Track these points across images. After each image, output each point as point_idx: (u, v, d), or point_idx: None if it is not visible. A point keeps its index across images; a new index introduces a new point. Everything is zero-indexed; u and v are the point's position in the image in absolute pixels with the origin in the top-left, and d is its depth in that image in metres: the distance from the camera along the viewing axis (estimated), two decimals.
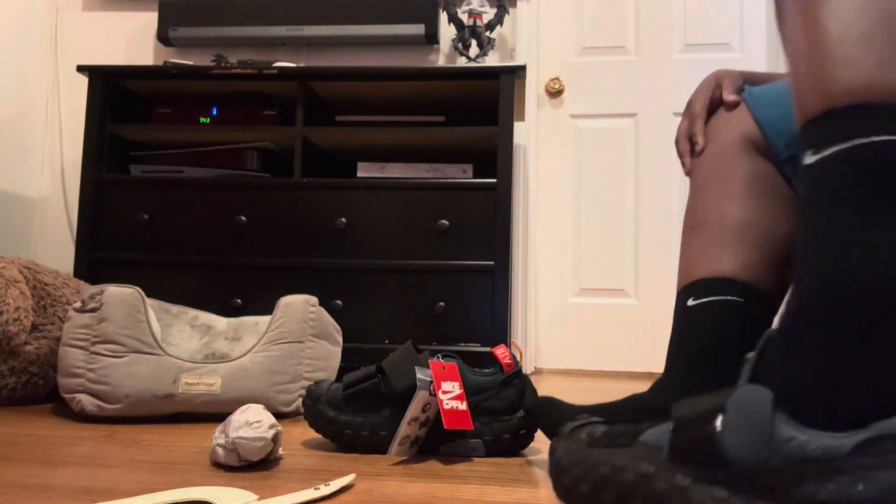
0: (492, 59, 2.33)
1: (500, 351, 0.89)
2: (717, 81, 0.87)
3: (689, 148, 0.87)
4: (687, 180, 2.31)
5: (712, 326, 0.74)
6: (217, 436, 0.76)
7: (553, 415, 0.79)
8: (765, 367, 0.46)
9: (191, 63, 2.03)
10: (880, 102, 0.42)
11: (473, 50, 2.30)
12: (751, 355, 0.48)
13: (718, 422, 0.44)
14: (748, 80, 0.88)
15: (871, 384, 0.42)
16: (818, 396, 0.43)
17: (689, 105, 0.88)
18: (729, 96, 0.83)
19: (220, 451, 0.75)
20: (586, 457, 0.52)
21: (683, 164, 0.88)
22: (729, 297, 0.74)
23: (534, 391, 0.88)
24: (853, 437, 0.41)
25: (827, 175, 0.44)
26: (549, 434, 0.82)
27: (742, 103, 0.84)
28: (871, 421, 0.41)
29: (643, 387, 1.88)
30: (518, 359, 2.11)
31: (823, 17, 0.45)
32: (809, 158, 0.45)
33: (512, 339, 2.23)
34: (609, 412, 0.75)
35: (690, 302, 0.76)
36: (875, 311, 0.41)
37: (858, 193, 0.42)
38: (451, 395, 0.81)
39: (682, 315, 0.77)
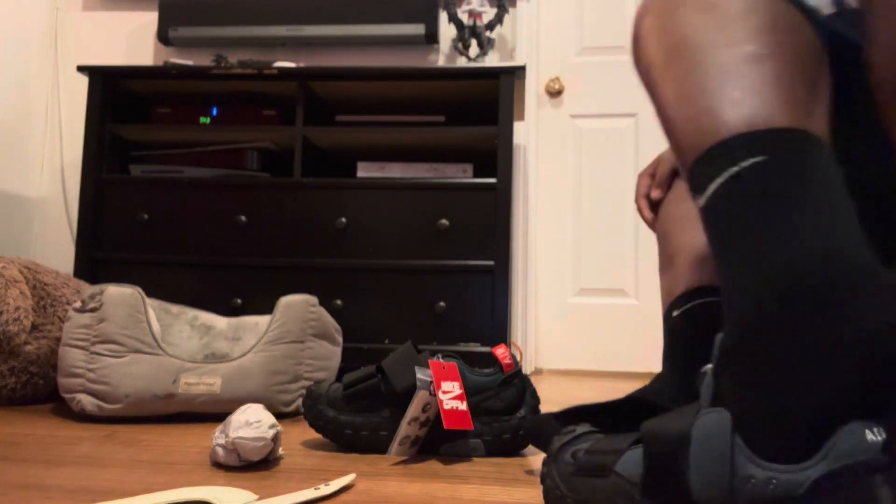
0: (492, 59, 2.33)
1: (500, 351, 0.89)
2: (654, 166, 0.96)
3: (647, 203, 0.95)
4: None
5: (697, 323, 0.77)
6: (217, 436, 0.76)
7: (548, 434, 0.79)
8: (722, 383, 0.46)
9: (191, 63, 2.03)
10: (736, 136, 0.47)
11: (473, 50, 2.30)
12: (708, 368, 0.48)
13: (686, 456, 0.44)
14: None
15: (799, 401, 0.42)
16: (761, 423, 0.43)
17: (638, 180, 0.98)
18: (654, 192, 0.93)
19: (220, 451, 0.75)
20: (570, 488, 0.53)
21: (645, 221, 0.95)
22: (710, 299, 0.76)
23: (534, 391, 0.88)
24: (809, 469, 0.40)
25: (714, 211, 0.48)
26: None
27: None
28: (822, 440, 0.41)
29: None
30: (518, 359, 2.11)
31: (701, 67, 0.51)
32: (700, 201, 0.50)
33: (512, 339, 2.23)
34: (604, 412, 0.76)
35: (675, 313, 0.79)
36: (781, 324, 0.43)
37: (743, 217, 0.46)
38: (451, 395, 0.81)
39: (670, 325, 0.81)
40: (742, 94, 0.48)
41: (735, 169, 0.47)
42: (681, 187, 0.90)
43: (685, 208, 0.87)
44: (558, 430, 0.77)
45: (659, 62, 0.54)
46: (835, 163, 0.47)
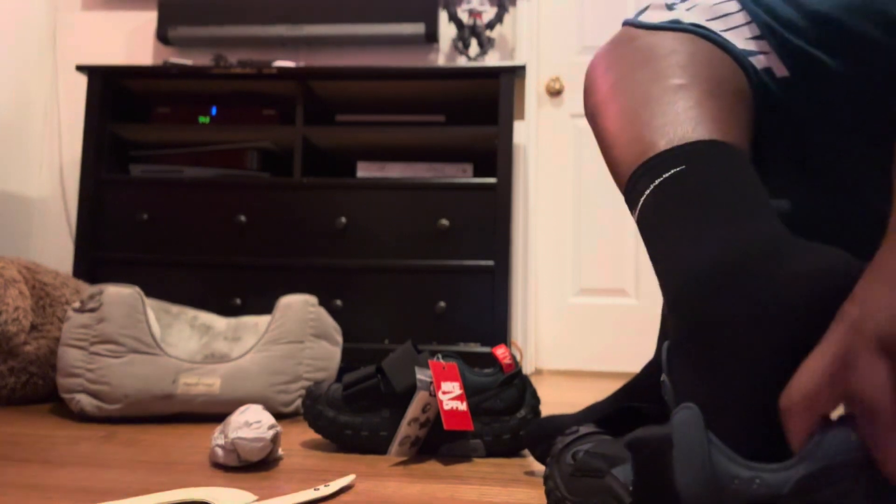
0: (492, 59, 2.33)
1: (500, 351, 0.89)
2: None
3: None
4: None
5: None
6: (216, 436, 0.76)
7: (543, 438, 0.78)
8: (676, 386, 0.46)
9: (190, 63, 2.03)
10: (659, 153, 0.53)
11: (473, 49, 2.30)
12: (664, 377, 0.48)
13: (672, 462, 0.44)
14: None
15: (740, 388, 0.42)
16: (721, 414, 0.43)
17: None
18: None
19: (219, 451, 0.75)
20: (570, 490, 0.53)
21: None
22: None
23: (534, 392, 0.88)
24: (792, 469, 0.40)
25: (645, 222, 0.53)
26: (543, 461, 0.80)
27: None
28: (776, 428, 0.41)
29: None
30: (518, 359, 2.11)
31: (638, 97, 0.58)
32: (635, 215, 0.54)
33: (512, 340, 2.23)
34: (599, 413, 0.75)
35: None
36: (704, 313, 0.44)
37: (666, 222, 0.50)
38: (451, 395, 0.81)
39: (662, 317, 0.82)
40: (665, 120, 0.54)
41: (658, 181, 0.51)
42: None
43: None
44: (562, 431, 0.77)
45: (603, 99, 0.61)
46: (749, 164, 0.51)
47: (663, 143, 0.52)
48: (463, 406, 0.81)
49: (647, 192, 0.52)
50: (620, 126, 0.58)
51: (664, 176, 0.51)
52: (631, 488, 0.48)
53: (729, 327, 0.43)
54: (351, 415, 0.85)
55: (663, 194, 0.51)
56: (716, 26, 0.60)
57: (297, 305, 1.16)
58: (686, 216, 0.48)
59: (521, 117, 2.33)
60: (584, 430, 0.58)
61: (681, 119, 0.53)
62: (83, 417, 1.06)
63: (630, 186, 0.55)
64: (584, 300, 2.34)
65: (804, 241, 0.44)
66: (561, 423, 0.75)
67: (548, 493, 0.56)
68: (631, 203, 0.56)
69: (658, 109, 0.55)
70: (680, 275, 0.47)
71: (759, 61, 0.60)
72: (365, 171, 1.90)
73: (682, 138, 0.52)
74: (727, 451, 0.42)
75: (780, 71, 0.59)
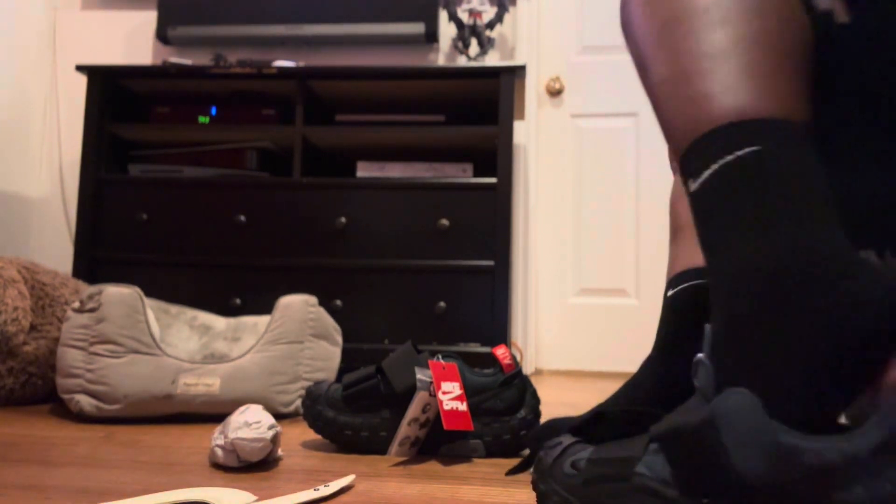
0: (492, 59, 2.33)
1: (500, 351, 0.89)
2: None
3: None
4: None
5: (684, 308, 0.77)
6: (216, 437, 0.76)
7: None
8: (724, 369, 0.46)
9: (190, 62, 2.03)
10: (749, 120, 0.48)
11: (473, 49, 2.30)
12: (701, 357, 0.48)
13: (719, 444, 0.44)
14: None
15: (802, 376, 0.43)
16: (783, 400, 0.43)
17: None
18: None
19: (219, 451, 0.75)
20: (585, 499, 0.51)
21: None
22: (698, 281, 0.77)
23: (534, 392, 0.88)
24: (861, 438, 0.41)
25: (706, 198, 0.49)
26: None
27: None
28: (838, 408, 0.42)
29: None
30: (518, 359, 2.11)
31: (693, 48, 0.51)
32: (692, 186, 0.50)
33: (512, 340, 2.23)
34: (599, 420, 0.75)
35: (669, 292, 0.80)
36: (769, 307, 0.44)
37: (735, 205, 0.47)
38: (451, 395, 0.81)
39: (664, 306, 0.81)
40: (734, 80, 0.49)
41: (730, 157, 0.48)
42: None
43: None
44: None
45: (650, 40, 0.54)
46: (817, 154, 0.49)
47: (732, 112, 0.49)
48: (463, 406, 0.81)
49: (715, 166, 0.49)
50: (676, 76, 0.52)
51: (737, 154, 0.48)
52: (670, 480, 0.47)
53: (795, 324, 0.44)
54: (351, 415, 0.85)
55: (735, 175, 0.48)
56: None
57: (297, 305, 1.15)
58: (756, 204, 0.47)
59: (521, 117, 2.33)
60: (566, 440, 0.57)
61: (752, 84, 0.49)
62: (82, 418, 1.05)
63: (691, 153, 0.51)
64: (584, 300, 2.34)
65: (861, 259, 0.45)
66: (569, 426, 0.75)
67: None
68: (690, 171, 0.51)
69: (725, 65, 0.50)
70: (746, 263, 0.46)
71: (821, 1, 0.55)
72: (365, 171, 1.90)
73: (755, 111, 0.48)
74: (788, 429, 0.43)
75: (841, 16, 0.55)
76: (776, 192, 0.46)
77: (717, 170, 0.49)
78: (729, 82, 0.49)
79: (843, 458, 0.41)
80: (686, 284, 0.78)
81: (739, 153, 0.48)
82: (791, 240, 0.45)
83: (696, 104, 0.50)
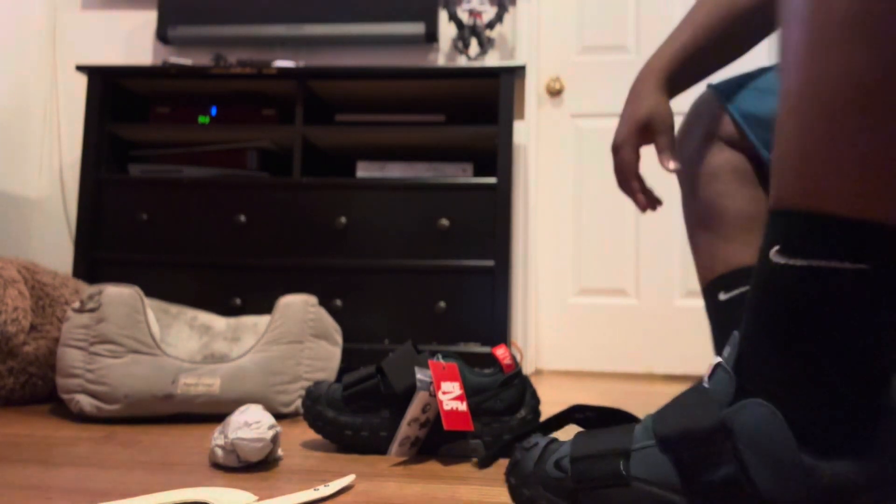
0: (492, 59, 2.33)
1: (500, 351, 0.89)
2: (642, 127, 0.83)
3: (639, 186, 0.85)
4: None
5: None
6: (216, 437, 0.76)
7: None
8: (750, 377, 0.45)
9: (190, 62, 2.03)
10: (874, 223, 0.40)
11: (473, 49, 2.30)
12: (723, 357, 0.47)
13: (735, 453, 0.43)
14: (671, 71, 0.84)
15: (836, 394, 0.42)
16: (809, 419, 0.42)
17: (618, 155, 0.85)
18: (671, 164, 0.81)
19: (219, 451, 0.75)
20: None
21: (639, 204, 0.85)
22: None
23: (534, 392, 0.88)
24: (874, 461, 0.40)
25: (723, 310, 0.48)
26: None
27: (711, 104, 0.87)
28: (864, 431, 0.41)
29: (643, 388, 1.88)
30: (518, 359, 2.11)
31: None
32: (777, 257, 0.44)
33: (512, 340, 2.23)
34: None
35: (722, 296, 0.78)
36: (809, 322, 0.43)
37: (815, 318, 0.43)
38: (451, 395, 0.81)
39: (718, 309, 0.79)
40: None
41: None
42: (701, 141, 0.85)
43: (709, 168, 0.84)
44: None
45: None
46: None
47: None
48: (463, 406, 0.81)
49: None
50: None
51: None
52: (679, 486, 0.45)
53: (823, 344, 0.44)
54: (351, 415, 0.85)
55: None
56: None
57: (297, 305, 1.15)
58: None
59: (521, 117, 2.33)
60: (541, 440, 0.55)
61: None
62: (83, 418, 1.05)
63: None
64: (584, 300, 2.34)
65: None
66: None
67: None
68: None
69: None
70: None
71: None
72: (365, 170, 1.90)
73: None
74: (808, 448, 0.42)
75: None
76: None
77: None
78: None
79: (865, 480, 0.40)
80: (744, 288, 0.77)
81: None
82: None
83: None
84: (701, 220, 0.84)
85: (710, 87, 0.89)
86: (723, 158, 0.84)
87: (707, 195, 0.84)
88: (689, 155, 0.88)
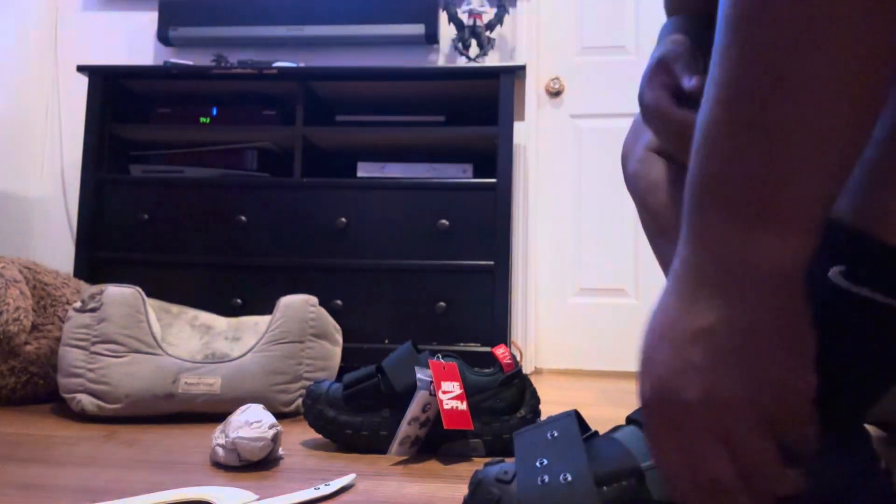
0: (492, 59, 2.33)
1: (500, 351, 0.89)
2: (663, 68, 0.70)
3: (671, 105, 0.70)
4: None
5: None
6: (217, 436, 0.76)
7: None
8: None
9: (191, 63, 2.03)
10: None
11: (473, 50, 2.30)
12: None
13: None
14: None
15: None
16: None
17: (651, 93, 0.71)
18: (694, 81, 0.66)
19: (220, 451, 0.75)
20: None
21: (677, 122, 0.68)
22: None
23: (534, 391, 0.88)
24: (847, 463, 0.41)
25: (851, 314, 0.42)
26: None
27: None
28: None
29: None
30: (518, 359, 2.11)
31: None
32: (840, 280, 0.41)
33: (512, 339, 2.23)
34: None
35: None
36: None
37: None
38: (451, 394, 0.81)
39: None
40: None
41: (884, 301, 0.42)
42: (651, 155, 0.83)
43: (662, 173, 0.82)
44: None
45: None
46: None
47: None
48: (463, 405, 0.81)
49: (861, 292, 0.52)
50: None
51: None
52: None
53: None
54: (351, 414, 0.86)
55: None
56: None
57: (298, 305, 1.16)
58: None
59: (521, 117, 2.33)
60: (510, 467, 0.50)
61: None
62: (84, 417, 1.06)
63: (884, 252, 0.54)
64: (584, 300, 2.35)
65: None
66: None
67: None
68: (855, 260, 0.51)
69: None
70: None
71: None
72: (365, 171, 1.90)
73: None
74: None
75: None
76: None
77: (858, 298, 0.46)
78: None
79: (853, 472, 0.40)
80: None
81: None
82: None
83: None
84: (657, 231, 0.85)
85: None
86: (661, 170, 0.83)
87: (654, 208, 0.85)
88: (633, 171, 0.88)
